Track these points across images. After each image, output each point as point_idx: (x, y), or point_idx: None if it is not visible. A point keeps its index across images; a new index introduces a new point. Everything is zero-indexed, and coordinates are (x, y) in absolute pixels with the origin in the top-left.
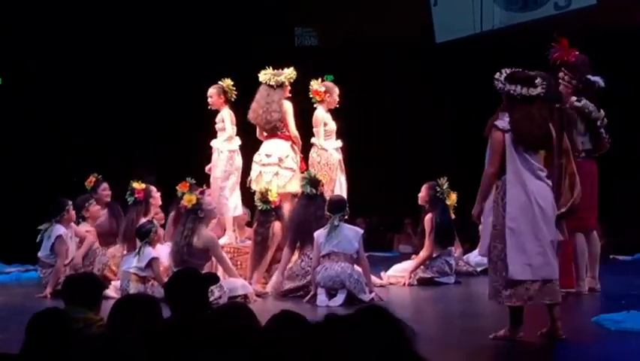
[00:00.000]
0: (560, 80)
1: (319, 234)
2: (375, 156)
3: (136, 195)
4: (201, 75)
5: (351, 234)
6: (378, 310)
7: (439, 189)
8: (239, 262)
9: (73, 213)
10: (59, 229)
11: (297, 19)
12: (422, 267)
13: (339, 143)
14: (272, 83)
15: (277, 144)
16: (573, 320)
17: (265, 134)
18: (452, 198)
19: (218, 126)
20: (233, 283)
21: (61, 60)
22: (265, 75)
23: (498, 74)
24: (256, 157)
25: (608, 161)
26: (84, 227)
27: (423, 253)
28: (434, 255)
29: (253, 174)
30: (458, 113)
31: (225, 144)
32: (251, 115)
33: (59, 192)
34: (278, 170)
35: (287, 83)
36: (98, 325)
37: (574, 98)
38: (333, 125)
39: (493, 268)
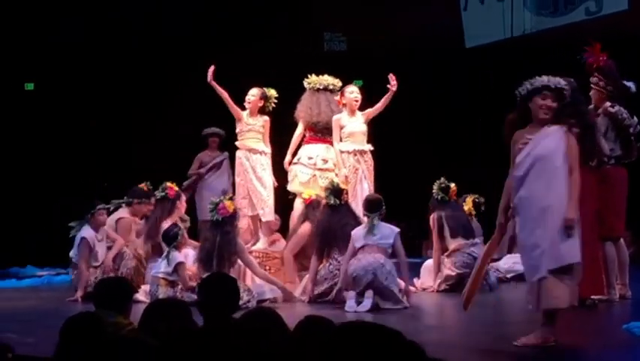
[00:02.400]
0: (594, 85)
1: (356, 231)
2: (403, 162)
3: (167, 192)
4: (229, 81)
5: (388, 231)
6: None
7: (435, 192)
8: (267, 267)
9: (103, 217)
10: (85, 231)
11: (326, 24)
12: (446, 266)
13: (358, 146)
14: (319, 87)
15: (330, 149)
16: (603, 328)
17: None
18: (453, 189)
19: (256, 128)
20: (261, 287)
21: (94, 67)
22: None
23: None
24: (305, 160)
25: (638, 167)
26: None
27: (434, 254)
28: (457, 249)
29: (303, 177)
30: (489, 118)
31: (266, 148)
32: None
33: (92, 197)
34: (332, 176)
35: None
36: (127, 329)
37: (608, 104)
38: (350, 128)
39: None
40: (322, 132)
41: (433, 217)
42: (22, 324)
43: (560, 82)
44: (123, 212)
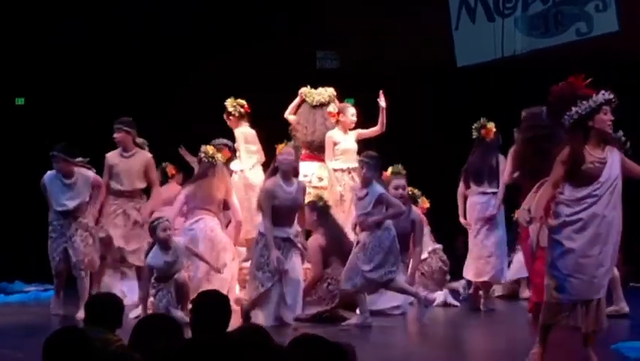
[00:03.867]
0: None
1: None
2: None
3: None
4: (222, 96)
5: None
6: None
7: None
8: None
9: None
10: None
11: (319, 42)
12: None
13: (351, 164)
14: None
15: (324, 167)
16: (593, 347)
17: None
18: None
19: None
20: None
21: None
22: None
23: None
24: (301, 178)
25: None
26: None
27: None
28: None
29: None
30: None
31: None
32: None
33: None
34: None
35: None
36: (116, 345)
37: None
38: (344, 145)
39: None
40: (317, 150)
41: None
42: (11, 339)
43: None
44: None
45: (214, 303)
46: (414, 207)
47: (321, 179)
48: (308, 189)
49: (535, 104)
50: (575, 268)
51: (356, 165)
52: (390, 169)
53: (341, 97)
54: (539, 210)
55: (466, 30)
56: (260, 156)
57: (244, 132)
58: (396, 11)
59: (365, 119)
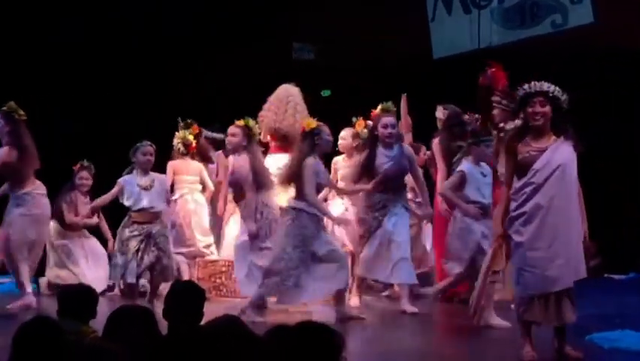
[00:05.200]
0: (496, 104)
1: None
2: None
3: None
4: (197, 90)
5: None
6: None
7: None
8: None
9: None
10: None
11: (295, 33)
12: None
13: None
14: None
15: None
16: (567, 339)
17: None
18: None
19: None
20: None
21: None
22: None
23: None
24: (274, 170)
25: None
26: None
27: None
28: None
29: None
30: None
31: None
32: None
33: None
34: None
35: None
36: (90, 337)
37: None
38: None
39: None
40: (282, 140)
41: None
42: None
43: (551, 87)
44: None
45: (189, 293)
46: (404, 145)
47: None
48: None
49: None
50: (525, 262)
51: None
52: (379, 106)
53: (317, 89)
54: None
55: (443, 22)
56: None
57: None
58: (373, 2)
59: (342, 111)
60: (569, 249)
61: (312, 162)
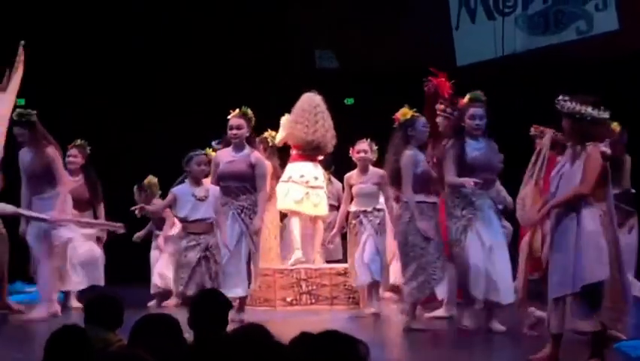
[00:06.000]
0: (440, 112)
1: None
2: None
3: None
4: (221, 99)
5: None
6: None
7: None
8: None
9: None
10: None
11: (318, 41)
12: None
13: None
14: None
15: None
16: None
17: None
18: None
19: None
20: None
21: (86, 81)
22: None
23: (562, 96)
24: (298, 178)
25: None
26: None
27: None
28: None
29: (296, 195)
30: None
31: None
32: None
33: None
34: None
35: None
36: (117, 345)
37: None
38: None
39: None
40: (313, 151)
41: None
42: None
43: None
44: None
45: (214, 301)
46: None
47: (317, 178)
48: (305, 189)
49: (535, 102)
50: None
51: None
52: (467, 96)
53: (341, 97)
54: None
55: (466, 29)
56: None
57: None
58: (395, 10)
59: (366, 119)
60: None
61: (410, 152)
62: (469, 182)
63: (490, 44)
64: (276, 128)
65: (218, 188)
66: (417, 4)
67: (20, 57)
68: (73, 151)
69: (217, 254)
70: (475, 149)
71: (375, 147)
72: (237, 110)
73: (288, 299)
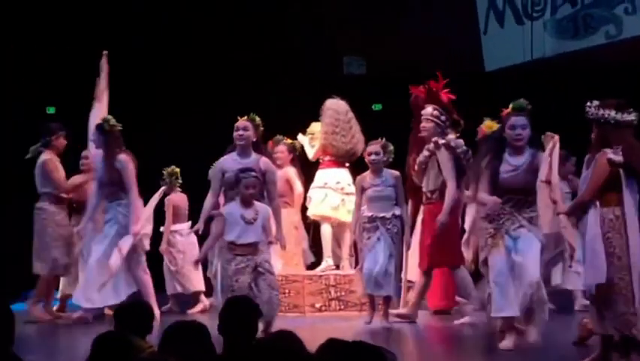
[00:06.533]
0: (434, 118)
1: None
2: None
3: None
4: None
5: None
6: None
7: None
8: (287, 290)
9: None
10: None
11: (346, 47)
12: None
13: None
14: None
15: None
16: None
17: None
18: None
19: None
20: None
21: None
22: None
23: (589, 102)
24: (334, 185)
25: None
26: None
27: None
28: None
29: (334, 201)
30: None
31: None
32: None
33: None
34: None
35: None
36: (148, 352)
37: (451, 137)
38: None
39: (622, 300)
40: (343, 158)
41: None
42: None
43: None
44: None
45: (244, 308)
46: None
47: (349, 185)
48: (341, 195)
49: (564, 107)
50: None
51: None
52: (510, 105)
53: (368, 103)
54: None
55: (495, 34)
56: None
57: None
58: (422, 16)
59: (393, 126)
60: None
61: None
62: (494, 204)
63: (518, 49)
64: (287, 132)
65: (268, 209)
66: (444, 9)
67: (105, 65)
68: (85, 153)
69: (269, 268)
70: (510, 169)
71: (390, 148)
72: (245, 117)
73: (317, 305)
